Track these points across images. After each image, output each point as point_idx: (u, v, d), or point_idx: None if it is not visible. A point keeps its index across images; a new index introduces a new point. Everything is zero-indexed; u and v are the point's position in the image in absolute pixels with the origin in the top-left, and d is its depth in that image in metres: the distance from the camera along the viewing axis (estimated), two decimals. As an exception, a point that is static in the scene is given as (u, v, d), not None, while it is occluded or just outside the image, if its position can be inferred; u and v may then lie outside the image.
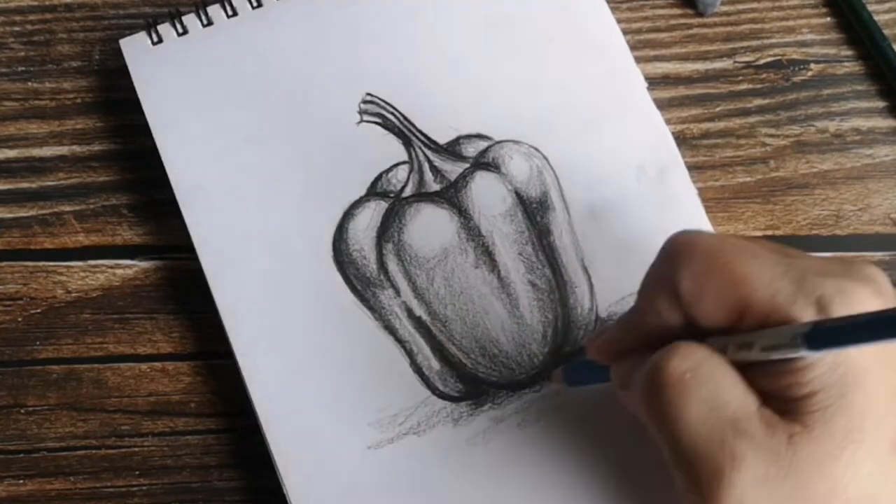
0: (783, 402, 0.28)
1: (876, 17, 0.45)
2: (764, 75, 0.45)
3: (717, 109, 0.44)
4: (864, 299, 0.27)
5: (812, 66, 0.45)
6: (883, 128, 0.44)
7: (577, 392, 0.39)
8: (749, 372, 0.29)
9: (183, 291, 0.42)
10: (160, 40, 0.43)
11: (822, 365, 0.27)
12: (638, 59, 0.43)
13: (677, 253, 0.30)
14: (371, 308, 0.40)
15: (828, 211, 0.43)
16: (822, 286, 0.28)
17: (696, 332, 0.30)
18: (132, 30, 0.43)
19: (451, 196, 0.41)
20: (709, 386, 0.28)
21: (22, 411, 0.41)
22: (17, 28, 0.45)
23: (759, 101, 0.44)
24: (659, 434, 0.30)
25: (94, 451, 0.41)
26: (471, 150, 0.42)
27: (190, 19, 0.43)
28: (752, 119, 0.44)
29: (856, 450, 0.27)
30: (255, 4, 0.43)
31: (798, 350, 0.26)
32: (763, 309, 0.28)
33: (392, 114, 0.42)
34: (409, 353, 0.39)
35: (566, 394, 0.39)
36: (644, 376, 0.30)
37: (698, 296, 0.29)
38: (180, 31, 0.43)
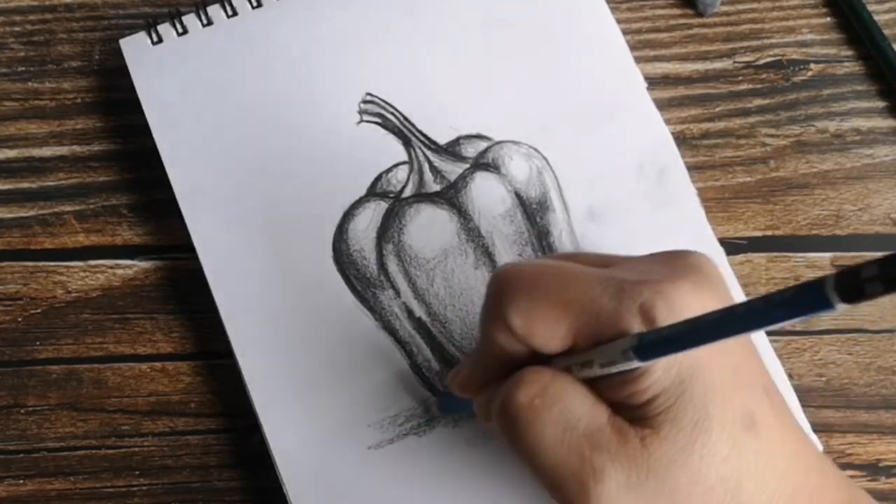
0: (630, 409, 0.29)
1: (876, 17, 0.45)
2: (764, 75, 0.45)
3: (717, 109, 0.44)
4: (683, 296, 0.28)
5: (812, 66, 0.45)
6: (883, 128, 0.44)
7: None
8: (595, 385, 0.30)
9: (183, 291, 0.42)
10: (160, 40, 0.43)
11: (657, 369, 0.28)
12: (638, 60, 0.43)
13: (502, 291, 0.30)
14: (371, 309, 0.40)
15: (828, 211, 0.43)
16: (641, 294, 0.28)
17: (540, 356, 0.30)
18: (132, 30, 0.43)
19: (450, 197, 0.41)
20: (558, 407, 0.29)
21: (22, 411, 0.41)
22: (17, 28, 0.45)
23: (759, 101, 0.44)
24: (523, 460, 0.30)
25: (94, 452, 0.41)
26: (470, 150, 0.42)
27: (190, 19, 0.43)
28: (752, 119, 0.44)
29: (707, 439, 0.28)
30: (254, 4, 0.43)
31: (632, 363, 0.27)
32: (592, 329, 0.29)
33: (392, 114, 0.42)
34: (410, 354, 0.39)
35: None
36: (497, 409, 0.30)
37: (530, 330, 0.30)
38: (180, 30, 0.43)
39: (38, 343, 0.42)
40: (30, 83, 0.45)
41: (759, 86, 0.45)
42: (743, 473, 0.29)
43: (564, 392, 0.29)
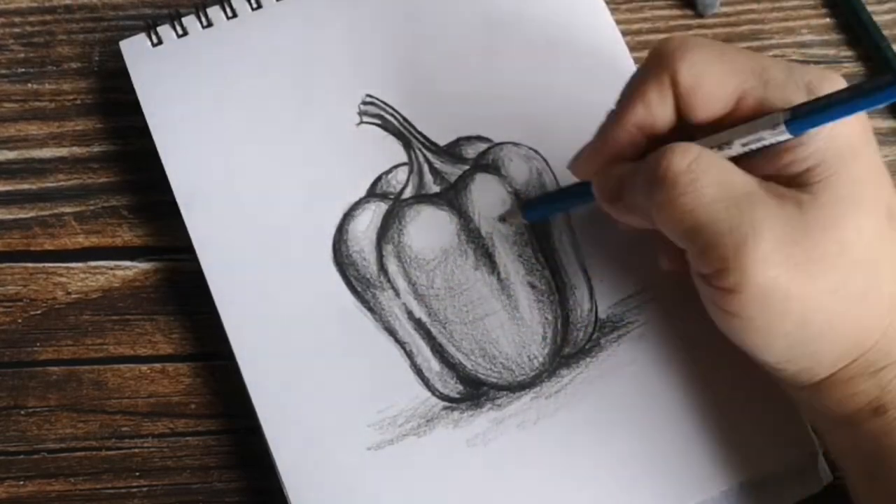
0: (784, 179, 0.31)
1: (875, 18, 0.45)
2: (763, 76, 0.45)
3: (717, 110, 0.44)
4: (842, 84, 0.32)
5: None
6: (883, 128, 0.44)
7: (578, 393, 0.39)
8: (741, 164, 0.32)
9: (183, 293, 0.42)
10: (160, 42, 0.43)
11: (818, 139, 0.31)
12: (638, 61, 0.43)
13: (674, 48, 0.33)
14: (371, 309, 0.40)
15: (827, 212, 0.43)
16: (809, 73, 0.32)
17: (671, 134, 0.33)
18: (132, 31, 0.43)
19: (451, 198, 0.41)
20: (714, 170, 0.31)
21: (22, 412, 0.41)
22: (16, 29, 0.45)
23: (758, 102, 0.44)
24: (674, 226, 0.32)
25: (94, 453, 0.41)
26: (470, 151, 0.42)
27: (190, 21, 0.43)
28: (752, 120, 0.44)
29: (859, 214, 0.31)
30: (254, 6, 0.43)
31: (782, 135, 0.30)
32: (758, 95, 0.32)
33: (392, 115, 0.42)
34: (409, 354, 0.39)
35: (566, 391, 0.39)
36: (648, 177, 0.32)
37: (697, 83, 0.32)
38: (180, 32, 0.43)
39: (38, 344, 0.42)
40: (30, 84, 0.45)
41: (758, 87, 0.45)
42: (883, 258, 0.31)
43: (716, 160, 0.31)
